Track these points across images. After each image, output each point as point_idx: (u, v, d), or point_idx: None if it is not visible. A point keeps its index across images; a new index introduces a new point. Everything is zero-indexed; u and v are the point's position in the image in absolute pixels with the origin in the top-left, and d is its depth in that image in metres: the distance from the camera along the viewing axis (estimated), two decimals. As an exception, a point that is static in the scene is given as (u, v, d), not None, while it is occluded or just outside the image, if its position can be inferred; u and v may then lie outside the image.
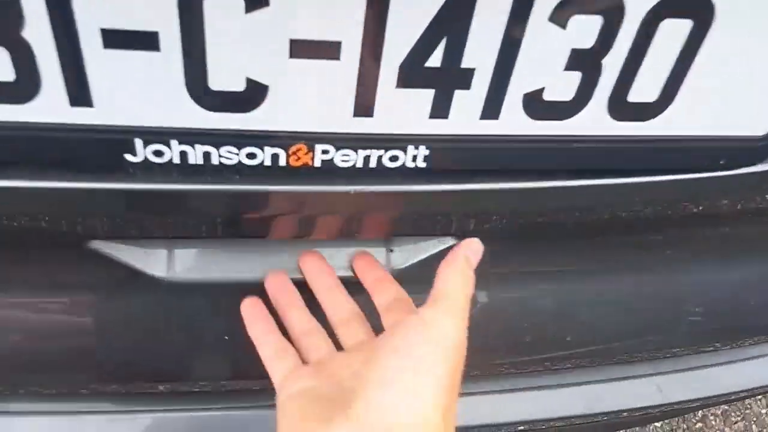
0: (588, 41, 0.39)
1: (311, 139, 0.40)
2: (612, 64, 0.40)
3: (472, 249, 0.46)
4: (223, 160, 0.40)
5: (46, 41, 0.32)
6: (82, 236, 0.45)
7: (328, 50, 0.36)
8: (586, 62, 0.40)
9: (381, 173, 0.43)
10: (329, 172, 0.42)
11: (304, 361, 0.49)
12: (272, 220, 0.47)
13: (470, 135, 0.42)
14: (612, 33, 0.38)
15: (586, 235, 0.58)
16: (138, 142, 0.38)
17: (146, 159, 0.38)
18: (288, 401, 0.45)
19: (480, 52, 0.38)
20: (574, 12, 0.37)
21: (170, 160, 0.39)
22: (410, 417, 0.39)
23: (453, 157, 0.43)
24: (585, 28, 0.38)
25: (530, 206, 0.48)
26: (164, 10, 0.32)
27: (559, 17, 0.37)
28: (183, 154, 0.39)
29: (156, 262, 0.48)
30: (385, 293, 0.50)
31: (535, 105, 0.41)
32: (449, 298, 0.43)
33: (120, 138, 0.37)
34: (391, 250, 0.55)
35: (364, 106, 0.39)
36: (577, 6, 0.37)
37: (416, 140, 0.42)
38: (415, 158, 0.43)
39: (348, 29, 0.35)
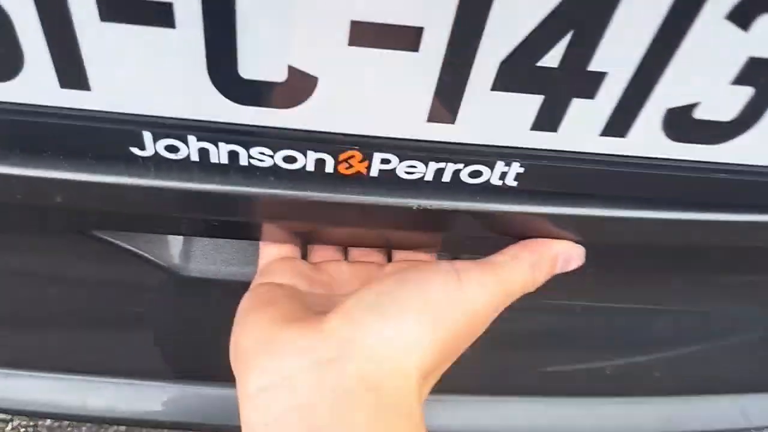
0: (776, 49, 0.29)
1: (369, 145, 0.32)
2: (802, 81, 0.30)
3: (569, 254, 0.41)
4: (254, 162, 0.33)
5: (26, 8, 0.25)
6: (89, 225, 0.40)
7: (404, 38, 0.27)
8: (765, 76, 0.30)
9: (455, 189, 0.35)
10: (388, 182, 0.35)
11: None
12: (312, 229, 0.40)
13: (583, 153, 0.34)
14: (815, 41, 0.28)
15: (694, 270, 0.49)
16: (147, 135, 0.31)
17: (157, 154, 0.32)
18: (259, 288, 0.41)
19: (618, 53, 0.29)
20: (765, 9, 0.27)
21: (187, 157, 0.32)
22: (390, 353, 0.34)
23: (555, 177, 0.35)
24: (777, 32, 0.28)
25: (649, 238, 0.39)
26: (180, -26, 0.24)
27: (743, 15, 0.27)
28: (203, 152, 0.32)
29: (173, 254, 0.42)
30: (413, 252, 0.45)
31: (680, 123, 0.32)
32: (503, 281, 0.38)
33: (124, 129, 0.31)
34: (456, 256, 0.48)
35: (443, 111, 0.31)
36: (773, 1, 0.27)
37: (509, 155, 0.33)
38: (503, 176, 0.34)
39: (434, 12, 0.26)
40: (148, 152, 0.32)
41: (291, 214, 0.37)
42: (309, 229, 0.41)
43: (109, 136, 0.31)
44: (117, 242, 0.42)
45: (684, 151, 0.34)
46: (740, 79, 0.30)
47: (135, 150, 0.32)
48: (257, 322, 0.37)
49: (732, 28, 0.28)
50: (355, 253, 0.47)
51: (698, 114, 0.32)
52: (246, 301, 0.40)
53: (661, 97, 0.31)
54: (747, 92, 0.31)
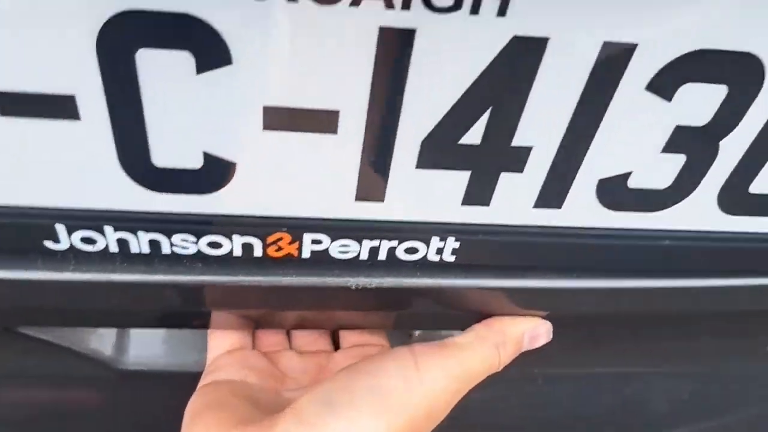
0: (702, 117, 0.29)
1: (297, 227, 0.32)
2: (733, 147, 0.30)
3: (536, 332, 0.40)
4: (178, 250, 0.32)
5: None
6: (14, 322, 0.38)
7: (320, 121, 0.27)
8: (695, 143, 0.30)
9: (392, 266, 0.35)
10: (322, 263, 0.34)
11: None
12: (247, 314, 0.39)
13: (519, 226, 0.33)
14: (740, 108, 0.29)
15: (656, 338, 0.49)
16: (60, 228, 0.30)
17: (73, 247, 0.31)
18: (206, 388, 0.39)
19: (541, 126, 0.28)
20: (686, 79, 0.27)
21: (106, 249, 0.31)
22: None
23: (493, 250, 0.34)
24: (699, 101, 0.28)
25: (597, 307, 0.39)
26: (79, 66, 0.24)
27: (663, 85, 0.27)
28: (122, 243, 0.31)
29: (103, 347, 0.41)
30: (360, 335, 0.44)
31: (616, 193, 0.32)
32: (465, 364, 0.37)
33: (34, 222, 0.30)
34: (410, 334, 0.47)
35: (371, 190, 0.30)
36: (690, 71, 0.27)
37: (443, 230, 0.33)
38: (440, 251, 0.34)
39: (348, 95, 0.26)
40: (64, 245, 0.31)
41: (224, 301, 0.36)
42: (247, 315, 0.40)
43: (20, 231, 0.30)
44: (46, 338, 0.41)
45: (623, 219, 0.33)
46: (670, 147, 0.30)
47: (49, 244, 0.31)
48: (206, 427, 0.35)
49: (655, 99, 0.28)
50: (302, 340, 0.46)
51: (633, 183, 0.32)
52: (193, 404, 0.38)
53: (592, 168, 0.31)
54: (679, 159, 0.31)
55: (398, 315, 0.41)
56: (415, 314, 0.40)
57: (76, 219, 0.30)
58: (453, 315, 0.39)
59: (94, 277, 0.32)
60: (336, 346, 0.45)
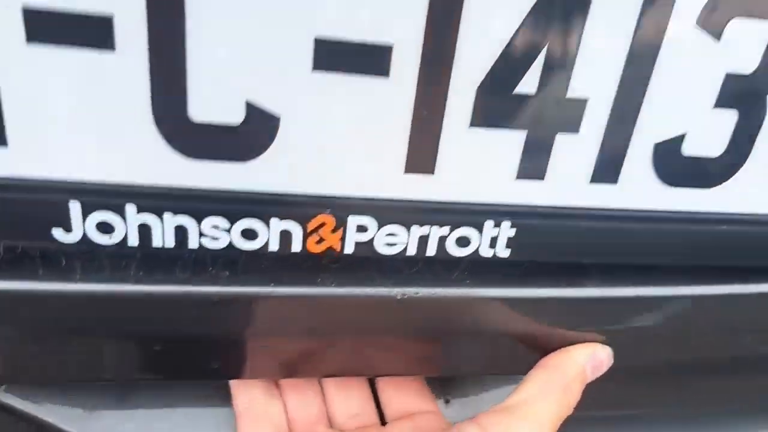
0: (750, 62, 0.27)
1: (342, 207, 0.27)
2: (781, 100, 0.28)
3: (597, 360, 0.34)
4: (206, 242, 0.26)
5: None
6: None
7: (372, 59, 0.24)
8: (745, 95, 0.28)
9: (442, 268, 0.29)
10: (366, 263, 0.28)
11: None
12: (277, 345, 0.32)
13: (576, 208, 0.29)
14: (785, 48, 0.27)
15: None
16: (74, 208, 0.24)
17: (86, 237, 0.25)
18: None
19: (595, 73, 0.26)
20: (735, 13, 0.25)
21: (124, 240, 0.25)
22: None
23: (550, 240, 0.29)
24: (747, 41, 0.26)
25: (672, 326, 0.33)
26: (122, -17, 0.21)
27: (714, 21, 0.25)
28: (144, 231, 0.25)
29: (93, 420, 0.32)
30: (406, 400, 0.36)
31: (671, 163, 0.29)
32: (536, 421, 0.31)
33: (44, 199, 0.24)
34: (447, 401, 0.39)
35: (421, 157, 0.26)
36: (740, 4, 0.25)
37: (497, 212, 0.28)
38: (494, 241, 0.29)
39: (403, 24, 0.23)
40: (75, 235, 0.25)
41: (253, 323, 0.29)
42: (276, 350, 0.32)
43: (26, 214, 0.24)
44: (27, 411, 0.32)
45: (681, 199, 0.30)
46: (722, 101, 0.27)
47: (58, 233, 0.25)
48: None
49: (704, 37, 0.26)
50: (343, 414, 0.37)
51: (687, 149, 0.28)
52: None
53: (645, 126, 0.27)
54: (731, 118, 0.28)
55: (443, 348, 0.33)
56: (462, 346, 0.33)
57: (94, 194, 0.24)
58: (503, 343, 0.33)
59: (105, 288, 0.26)
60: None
